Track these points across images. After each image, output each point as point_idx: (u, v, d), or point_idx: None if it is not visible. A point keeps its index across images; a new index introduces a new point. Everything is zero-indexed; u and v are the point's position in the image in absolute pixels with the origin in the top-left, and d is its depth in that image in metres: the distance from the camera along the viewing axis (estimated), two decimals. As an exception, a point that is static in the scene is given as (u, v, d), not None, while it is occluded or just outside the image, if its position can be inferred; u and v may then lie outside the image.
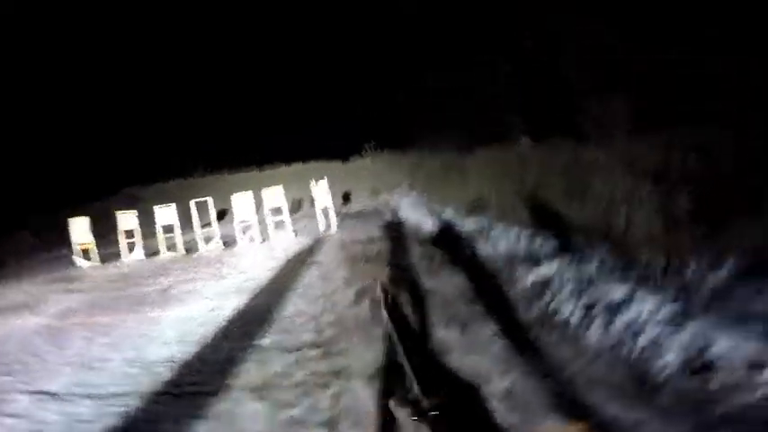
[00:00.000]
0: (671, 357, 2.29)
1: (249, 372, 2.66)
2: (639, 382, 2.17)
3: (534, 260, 4.22)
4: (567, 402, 2.03)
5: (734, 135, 5.07)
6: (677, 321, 2.60)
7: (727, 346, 2.26)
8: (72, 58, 17.39)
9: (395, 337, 0.49)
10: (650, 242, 3.99)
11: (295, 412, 2.17)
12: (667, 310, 2.75)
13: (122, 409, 2.39)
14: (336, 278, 4.45)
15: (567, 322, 2.92)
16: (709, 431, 1.75)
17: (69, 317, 4.45)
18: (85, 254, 7.90)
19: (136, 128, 20.00)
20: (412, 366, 0.41)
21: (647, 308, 2.82)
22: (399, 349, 0.47)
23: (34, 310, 4.94)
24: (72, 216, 8.32)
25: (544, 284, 3.59)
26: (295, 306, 3.76)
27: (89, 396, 2.59)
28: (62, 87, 17.19)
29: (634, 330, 2.64)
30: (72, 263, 7.86)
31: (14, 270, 8.64)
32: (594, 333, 2.71)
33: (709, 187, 4.36)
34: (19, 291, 6.32)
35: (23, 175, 14.11)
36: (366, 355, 2.69)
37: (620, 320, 2.77)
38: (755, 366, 2.07)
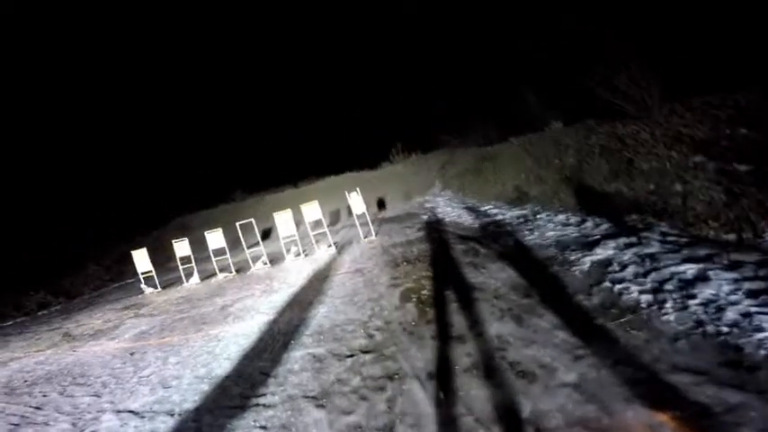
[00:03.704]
0: (767, 334, 2.04)
1: (308, 380, 2.73)
2: (733, 362, 1.94)
3: (588, 244, 4.00)
4: (649, 390, 1.87)
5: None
6: (764, 296, 2.34)
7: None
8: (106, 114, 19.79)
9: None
10: (714, 214, 3.65)
11: (354, 418, 2.21)
12: (750, 285, 2.48)
13: (197, 424, 2.54)
14: (380, 283, 4.47)
15: (635, 305, 2.68)
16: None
17: (143, 339, 4.83)
18: (149, 281, 8.60)
19: (177, 162, 21.65)
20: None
21: (726, 284, 2.57)
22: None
23: (112, 335, 5.42)
24: (133, 249, 9.09)
25: (602, 269, 3.37)
26: (345, 314, 3.81)
27: (168, 413, 2.79)
28: (105, 140, 19.46)
29: (716, 308, 2.39)
30: (140, 290, 8.58)
31: (90, 300, 9.59)
32: (670, 314, 2.47)
33: (765, 150, 3.94)
34: (96, 318, 6.97)
35: (89, 217, 15.96)
36: (416, 356, 2.69)
37: (697, 299, 2.53)
38: None
